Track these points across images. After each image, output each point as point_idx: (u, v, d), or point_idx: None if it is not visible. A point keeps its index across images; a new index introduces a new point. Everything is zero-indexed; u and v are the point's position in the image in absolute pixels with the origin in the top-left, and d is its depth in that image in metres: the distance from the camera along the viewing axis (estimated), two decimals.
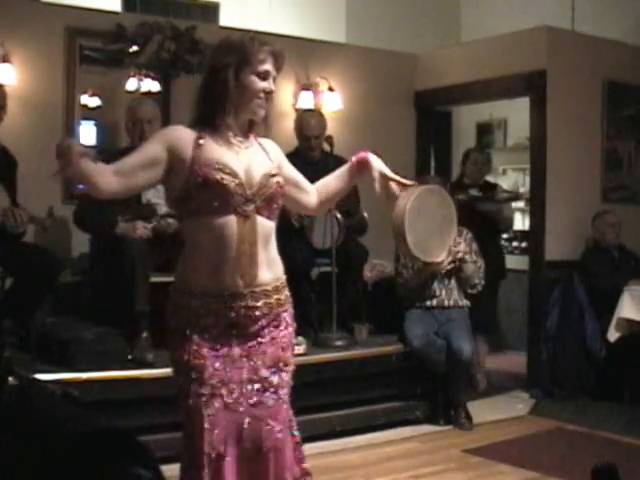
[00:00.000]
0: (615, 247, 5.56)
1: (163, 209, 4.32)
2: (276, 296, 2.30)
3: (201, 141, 2.24)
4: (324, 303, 4.65)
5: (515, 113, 6.88)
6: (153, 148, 2.26)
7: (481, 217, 5.42)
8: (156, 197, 4.39)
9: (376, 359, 4.61)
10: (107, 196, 2.23)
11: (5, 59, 4.75)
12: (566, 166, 5.59)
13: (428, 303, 4.83)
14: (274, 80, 2.32)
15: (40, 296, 4.05)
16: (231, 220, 2.21)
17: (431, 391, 4.76)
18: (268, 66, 2.29)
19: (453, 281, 4.85)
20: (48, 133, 4.97)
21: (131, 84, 5.33)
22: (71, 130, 5.09)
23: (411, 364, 4.68)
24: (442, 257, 4.23)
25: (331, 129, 5.21)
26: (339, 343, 4.55)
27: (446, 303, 4.83)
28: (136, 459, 1.52)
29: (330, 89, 5.98)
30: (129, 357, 3.91)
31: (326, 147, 4.87)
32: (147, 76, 5.33)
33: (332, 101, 5.97)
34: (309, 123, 4.93)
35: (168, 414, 3.84)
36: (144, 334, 3.98)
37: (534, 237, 5.67)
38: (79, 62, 5.10)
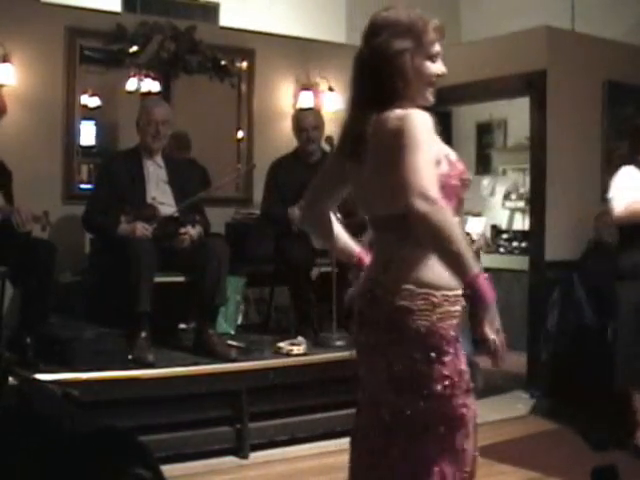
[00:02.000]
0: (614, 247, 5.54)
1: (168, 210, 4.32)
2: None
3: None
4: (324, 303, 4.64)
5: (515, 113, 6.88)
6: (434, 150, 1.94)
7: None
8: (162, 196, 4.38)
9: None
10: None
11: (5, 59, 4.75)
12: (566, 166, 5.58)
13: None
14: None
15: (43, 287, 3.93)
16: None
17: None
18: (439, 47, 2.05)
19: None
20: (48, 133, 4.98)
21: (131, 84, 5.34)
22: (71, 130, 5.10)
23: None
24: None
25: (331, 129, 5.20)
26: (339, 343, 4.54)
27: None
28: (136, 459, 1.52)
29: (330, 89, 5.98)
30: (129, 357, 3.91)
31: (326, 148, 4.87)
32: (147, 76, 5.33)
33: (332, 101, 5.97)
34: (305, 116, 5.00)
35: (168, 414, 3.88)
36: (144, 334, 3.98)
37: (534, 237, 5.66)
38: (79, 62, 5.10)
